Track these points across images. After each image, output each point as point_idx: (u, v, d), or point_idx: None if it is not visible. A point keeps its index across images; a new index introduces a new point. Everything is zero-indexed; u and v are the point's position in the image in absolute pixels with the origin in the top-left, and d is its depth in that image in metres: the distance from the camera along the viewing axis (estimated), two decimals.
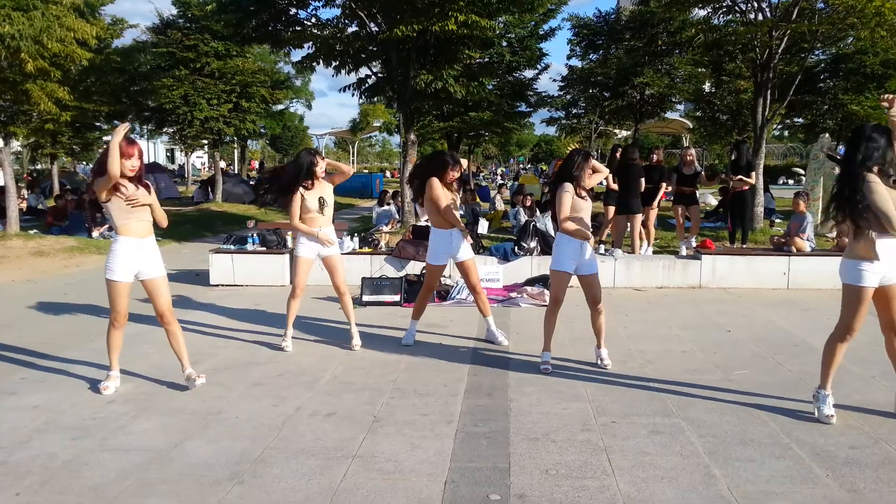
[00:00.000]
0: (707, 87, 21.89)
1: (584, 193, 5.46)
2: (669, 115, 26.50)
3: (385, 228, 13.42)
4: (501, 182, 33.12)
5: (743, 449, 3.93)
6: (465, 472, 3.64)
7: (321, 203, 5.93)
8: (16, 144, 26.15)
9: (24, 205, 18.11)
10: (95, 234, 14.08)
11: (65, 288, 9.21)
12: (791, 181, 31.37)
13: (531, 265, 8.95)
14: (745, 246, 10.50)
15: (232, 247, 9.46)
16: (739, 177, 10.70)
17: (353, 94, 15.82)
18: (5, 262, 11.13)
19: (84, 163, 38.86)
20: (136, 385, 5.10)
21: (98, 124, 22.43)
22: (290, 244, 9.49)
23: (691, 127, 27.24)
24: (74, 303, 8.18)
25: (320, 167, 5.93)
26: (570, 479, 3.55)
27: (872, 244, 4.14)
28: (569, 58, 23.55)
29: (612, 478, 3.57)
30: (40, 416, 4.47)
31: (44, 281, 9.80)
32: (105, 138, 27.05)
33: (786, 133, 41.49)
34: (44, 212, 18.02)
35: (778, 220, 15.15)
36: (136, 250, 4.86)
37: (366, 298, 7.96)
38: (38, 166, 36.94)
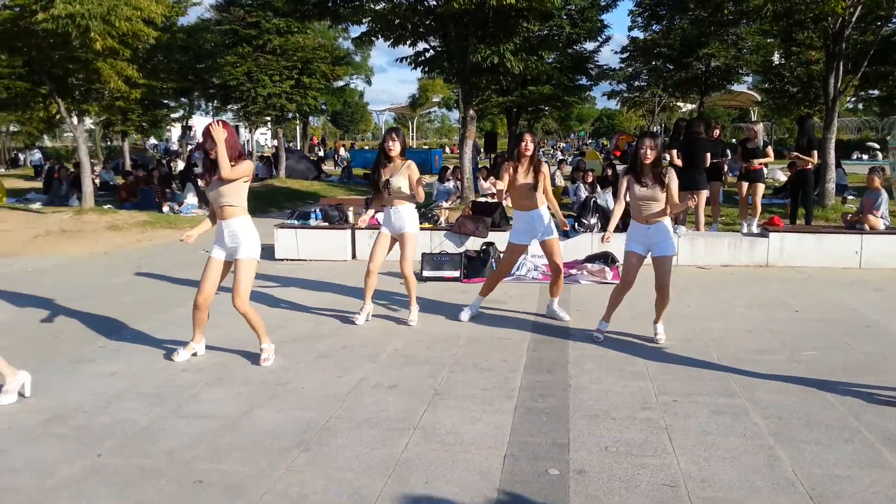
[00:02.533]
0: (776, 58, 21.11)
1: (646, 181, 5.34)
2: (736, 87, 25.70)
3: (445, 204, 13.47)
4: (561, 158, 32.78)
5: (809, 431, 3.86)
6: (525, 447, 3.69)
7: (385, 184, 5.99)
8: (88, 122, 27.11)
9: (97, 180, 18.83)
10: (165, 208, 14.57)
11: (138, 261, 9.58)
12: (865, 156, 30.08)
13: (591, 242, 8.88)
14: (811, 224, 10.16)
15: (296, 222, 9.66)
16: (796, 154, 10.34)
17: (411, 68, 15.84)
18: (82, 236, 11.63)
19: (159, 139, 40.02)
20: (208, 355, 5.30)
21: (166, 101, 23.06)
22: (351, 220, 9.64)
23: (759, 100, 26.38)
24: (148, 275, 8.51)
25: (388, 145, 5.98)
26: (630, 457, 3.55)
27: None
28: (630, 29, 23.04)
29: (673, 456, 3.56)
30: (118, 383, 4.70)
31: (118, 254, 10.22)
32: (173, 115, 27.84)
33: (860, 106, 39.74)
34: (116, 187, 18.71)
35: (851, 197, 14.60)
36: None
37: (426, 274, 8.04)
38: (110, 143, 38.24)
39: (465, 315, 6.30)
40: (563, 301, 6.54)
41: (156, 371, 4.94)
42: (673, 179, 5.30)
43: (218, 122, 4.86)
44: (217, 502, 3.16)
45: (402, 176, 5.99)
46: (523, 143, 5.97)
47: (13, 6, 12.13)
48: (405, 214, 6.05)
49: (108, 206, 14.87)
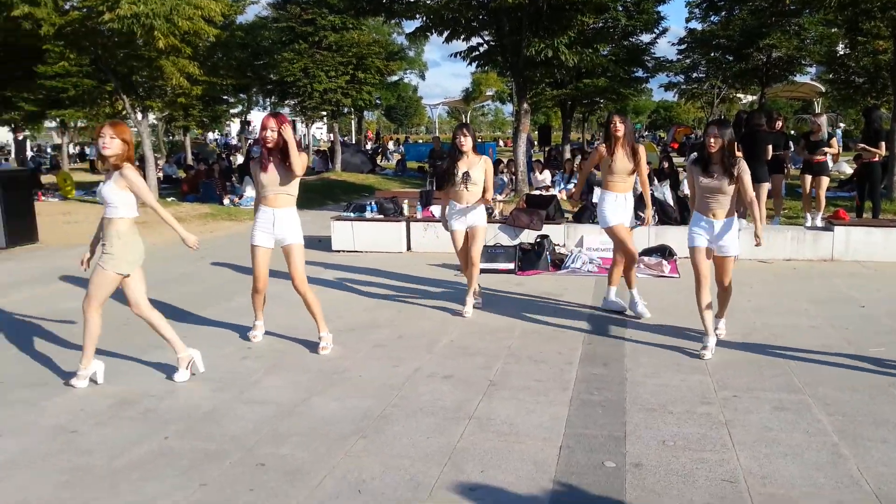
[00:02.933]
0: (841, 48, 20.39)
1: (712, 171, 4.99)
2: (799, 78, 24.88)
3: (499, 197, 13.44)
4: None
5: (875, 429, 3.75)
6: (581, 439, 3.68)
7: (465, 178, 6.02)
8: (151, 118, 27.94)
9: (160, 174, 19.40)
10: (226, 201, 14.93)
11: (202, 251, 9.79)
12: None
13: (648, 235, 8.75)
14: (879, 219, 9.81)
15: (352, 214, 9.79)
16: (862, 145, 9.99)
17: (466, 63, 15.86)
18: (147, 227, 11.92)
19: (219, 133, 40.89)
20: (267, 343, 5.44)
21: (225, 97, 23.60)
22: (406, 212, 9.72)
23: (823, 91, 25.50)
24: (211, 265, 8.75)
25: (461, 141, 6.03)
26: (689, 451, 3.51)
27: None
28: (688, 20, 22.61)
29: (733, 451, 3.50)
30: None
31: (182, 245, 10.49)
32: (232, 111, 28.47)
33: None
34: (178, 180, 19.25)
35: None
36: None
37: (481, 266, 8.04)
38: (172, 137, 39.35)
39: (610, 305, 6.28)
40: (619, 294, 6.44)
41: (219, 358, 5.09)
42: (745, 171, 4.94)
43: (273, 115, 5.03)
44: (279, 485, 3.25)
45: (480, 170, 6.08)
46: (612, 125, 5.97)
47: (81, 7, 12.59)
48: (480, 208, 6.16)
49: (172, 198, 15.31)
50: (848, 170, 18.29)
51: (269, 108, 30.26)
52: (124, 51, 13.69)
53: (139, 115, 15.32)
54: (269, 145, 4.97)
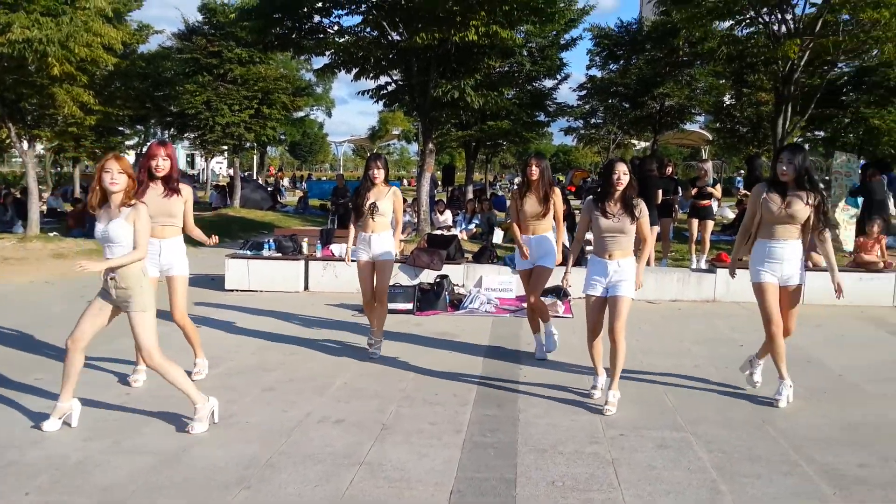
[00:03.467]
0: (727, 98, 21.79)
1: (612, 211, 4.87)
2: (689, 126, 26.38)
3: (401, 237, 13.46)
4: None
5: (751, 465, 3.91)
6: (472, 483, 3.66)
7: (372, 209, 5.95)
8: (39, 147, 26.54)
9: (44, 207, 18.39)
10: None
11: (82, 290, 9.32)
12: None
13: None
14: None
15: (248, 252, 9.53)
16: (744, 192, 10.65)
17: (373, 101, 15.92)
18: (25, 263, 11.30)
19: None
20: (148, 388, 5.16)
21: (121, 129, 22.71)
22: (305, 250, 9.56)
23: (710, 139, 27.12)
24: None
25: (373, 173, 5.97)
26: (577, 492, 3.55)
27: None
28: (588, 68, 23.54)
29: (619, 491, 3.57)
30: None
31: (62, 283, 9.94)
32: (127, 143, 27.41)
33: (806, 146, 41.12)
34: (64, 214, 18.28)
35: None
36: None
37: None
38: (60, 169, 37.45)
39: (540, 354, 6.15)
40: (514, 335, 6.53)
41: (94, 405, 4.78)
42: (644, 213, 4.90)
43: (160, 143, 5.05)
44: None
45: (388, 201, 6.02)
46: (529, 168, 5.91)
47: None
48: (387, 240, 6.06)
49: (55, 233, 14.50)
50: (730, 214, 19.37)
51: (168, 140, 29.36)
52: (13, 77, 12.96)
53: (25, 145, 14.49)
54: (161, 174, 4.91)
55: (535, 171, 5.87)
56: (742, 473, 3.80)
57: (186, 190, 5.19)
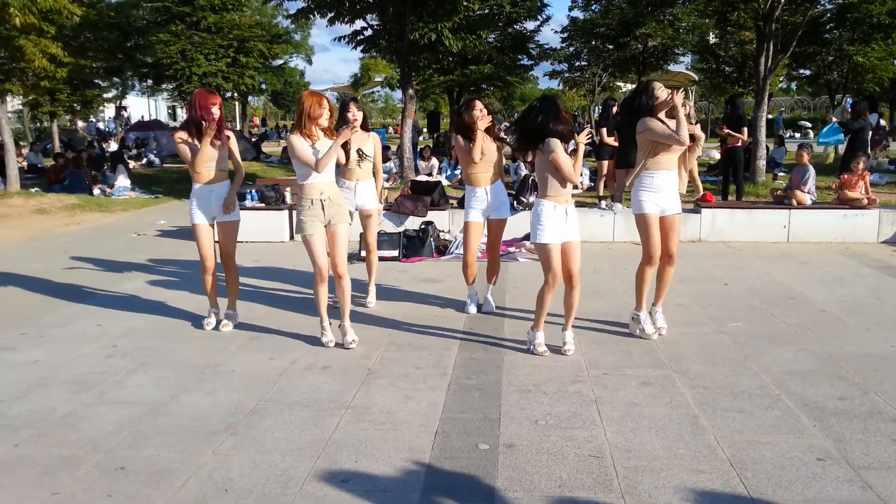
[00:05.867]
0: (712, 38, 21.55)
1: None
2: (673, 67, 26.10)
3: (386, 184, 13.36)
4: (503, 136, 32.79)
5: (733, 400, 3.97)
6: (456, 423, 3.69)
7: (360, 154, 5.77)
8: (15, 102, 25.95)
9: (24, 163, 18.08)
10: (96, 191, 14.09)
11: (66, 245, 9.24)
12: (797, 134, 31.01)
13: (530, 219, 8.91)
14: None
15: None
16: (727, 131, 10.59)
17: (351, 47, 15.61)
18: (7, 220, 11.16)
19: (92, 119, 38.58)
20: (134, 340, 5.15)
21: (96, 81, 22.24)
22: (288, 201, 9.48)
23: (696, 79, 26.89)
24: (76, 260, 8.21)
25: (353, 115, 5.51)
26: (559, 430, 3.59)
27: None
28: (570, 9, 23.20)
29: (601, 427, 3.61)
30: (39, 371, 4.53)
31: (45, 239, 9.83)
32: (105, 95, 26.85)
33: (793, 86, 40.94)
34: (45, 170, 18.00)
35: (781, 174, 15.04)
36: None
37: (364, 254, 7.95)
38: (40, 124, 36.73)
39: (472, 309, 5.88)
40: (500, 279, 6.49)
41: (79, 357, 4.78)
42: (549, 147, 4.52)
43: (211, 92, 5.29)
44: (139, 488, 3.08)
45: (370, 147, 5.86)
46: (475, 112, 5.40)
47: None
48: (372, 189, 5.95)
49: (36, 189, 14.30)
50: (716, 155, 19.35)
51: (146, 93, 28.79)
52: None
53: None
54: (211, 126, 4.99)
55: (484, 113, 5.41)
56: (723, 408, 3.86)
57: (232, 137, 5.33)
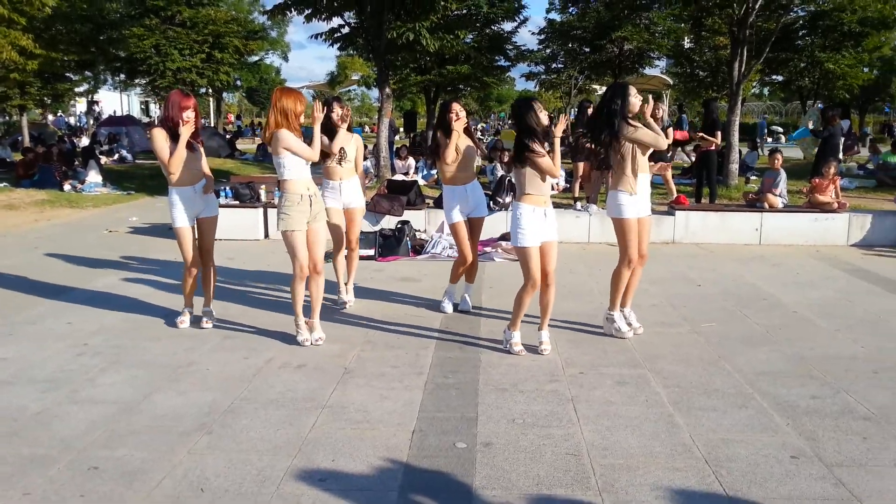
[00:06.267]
0: (687, 43, 21.79)
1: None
2: (649, 71, 26.35)
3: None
4: (480, 137, 32.89)
5: (707, 399, 4.02)
6: (434, 422, 3.69)
7: (341, 154, 5.76)
8: None
9: None
10: (67, 187, 13.86)
11: (35, 241, 9.08)
12: (770, 139, 31.49)
13: (506, 220, 8.94)
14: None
15: None
16: (701, 134, 10.73)
17: (327, 45, 15.52)
18: None
19: (61, 113, 37.93)
20: (105, 338, 5.07)
21: (68, 75, 21.86)
22: (263, 198, 9.40)
23: (671, 83, 27.17)
24: (46, 256, 8.07)
25: (337, 115, 5.63)
26: (536, 428, 3.61)
27: None
28: (548, 11, 23.34)
29: (577, 426, 3.63)
30: (8, 369, 4.45)
31: (14, 235, 9.65)
32: (76, 89, 26.41)
33: (765, 91, 41.54)
34: (13, 164, 17.65)
35: (753, 177, 15.26)
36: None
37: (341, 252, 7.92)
38: (9, 118, 36.02)
39: (448, 308, 5.87)
40: (476, 279, 6.50)
41: (50, 356, 4.69)
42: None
43: (185, 94, 5.17)
44: (113, 488, 3.04)
45: (352, 147, 5.87)
46: (452, 113, 5.41)
47: None
48: (357, 187, 5.95)
49: (4, 184, 14.02)
50: (689, 158, 19.57)
51: (118, 88, 28.40)
52: None
53: None
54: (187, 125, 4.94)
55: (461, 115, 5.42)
56: (698, 407, 3.90)
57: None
